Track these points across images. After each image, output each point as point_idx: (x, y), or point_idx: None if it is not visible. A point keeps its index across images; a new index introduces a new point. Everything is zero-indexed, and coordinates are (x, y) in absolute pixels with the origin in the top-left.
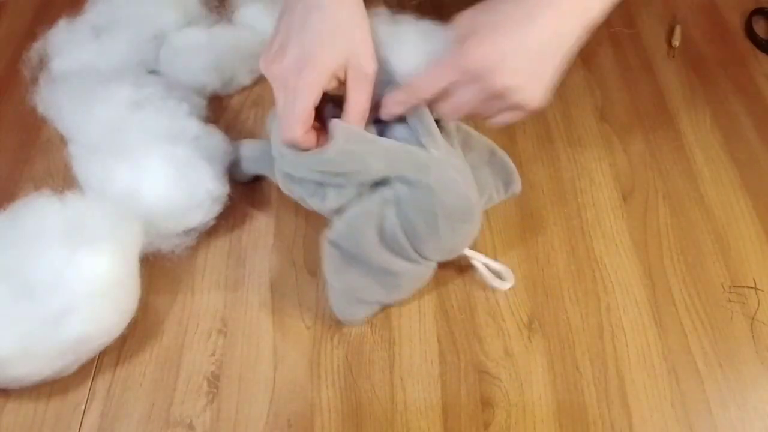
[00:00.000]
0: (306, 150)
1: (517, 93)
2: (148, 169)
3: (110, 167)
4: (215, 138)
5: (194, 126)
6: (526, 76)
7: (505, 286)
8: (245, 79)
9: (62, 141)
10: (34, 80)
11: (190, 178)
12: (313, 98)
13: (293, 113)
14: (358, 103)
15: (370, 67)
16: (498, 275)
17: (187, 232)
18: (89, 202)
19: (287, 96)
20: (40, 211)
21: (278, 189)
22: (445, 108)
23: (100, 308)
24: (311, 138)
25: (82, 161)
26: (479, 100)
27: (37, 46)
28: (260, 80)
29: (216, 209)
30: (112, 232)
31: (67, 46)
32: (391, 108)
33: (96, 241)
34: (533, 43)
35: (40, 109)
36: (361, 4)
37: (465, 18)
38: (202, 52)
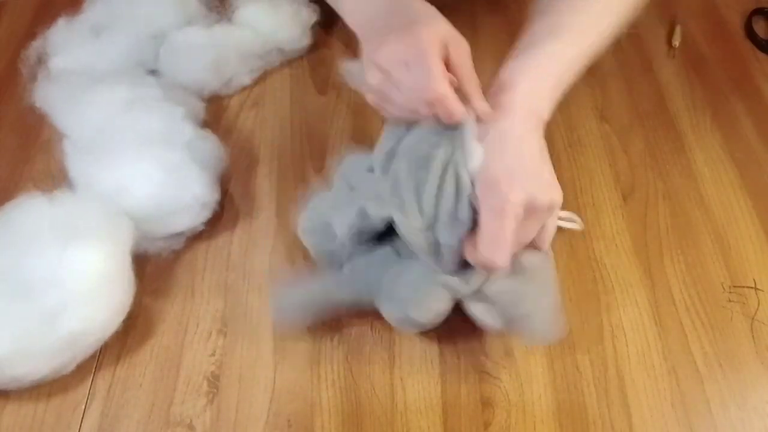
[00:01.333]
0: (456, 114)
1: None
2: (137, 171)
3: (101, 167)
4: (209, 143)
5: (188, 130)
6: (549, 185)
7: (576, 227)
8: (245, 79)
9: (62, 140)
10: (33, 78)
11: (179, 183)
12: (434, 47)
13: (432, 66)
14: (468, 71)
15: (466, 44)
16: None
17: (175, 235)
18: (79, 200)
19: (415, 60)
20: (30, 212)
21: (278, 189)
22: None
23: (94, 304)
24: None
25: (75, 159)
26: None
27: (35, 44)
28: (260, 80)
29: (205, 214)
30: (102, 228)
31: (66, 45)
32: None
33: (87, 237)
34: (533, 158)
35: (38, 106)
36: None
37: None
38: (202, 52)
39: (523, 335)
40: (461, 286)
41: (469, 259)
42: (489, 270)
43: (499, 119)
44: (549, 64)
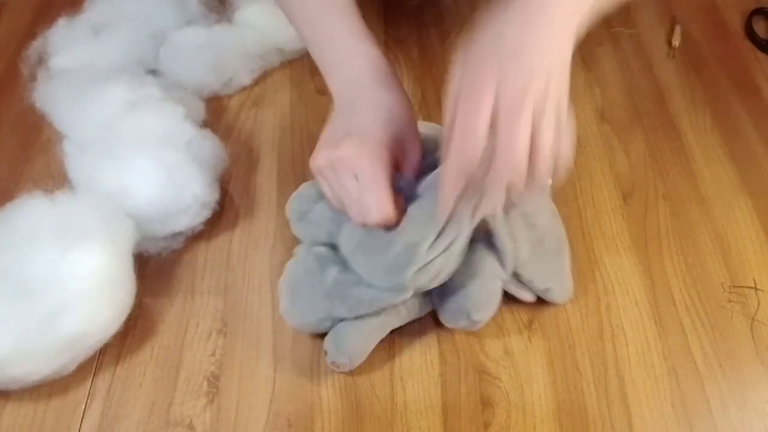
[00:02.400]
0: (392, 227)
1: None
2: (136, 171)
3: (100, 166)
4: (209, 143)
5: (188, 130)
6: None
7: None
8: (245, 79)
9: (62, 140)
10: (33, 78)
11: (179, 182)
12: (384, 176)
13: (378, 186)
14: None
15: (416, 152)
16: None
17: (174, 235)
18: (80, 200)
19: (362, 176)
20: (31, 212)
21: (278, 189)
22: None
23: (95, 305)
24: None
25: (75, 159)
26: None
27: (36, 44)
28: (260, 81)
29: (204, 214)
30: (104, 228)
31: (66, 45)
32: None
33: (88, 238)
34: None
35: (38, 105)
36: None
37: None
38: (202, 52)
39: (548, 298)
40: (503, 273)
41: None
42: (459, 170)
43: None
44: None
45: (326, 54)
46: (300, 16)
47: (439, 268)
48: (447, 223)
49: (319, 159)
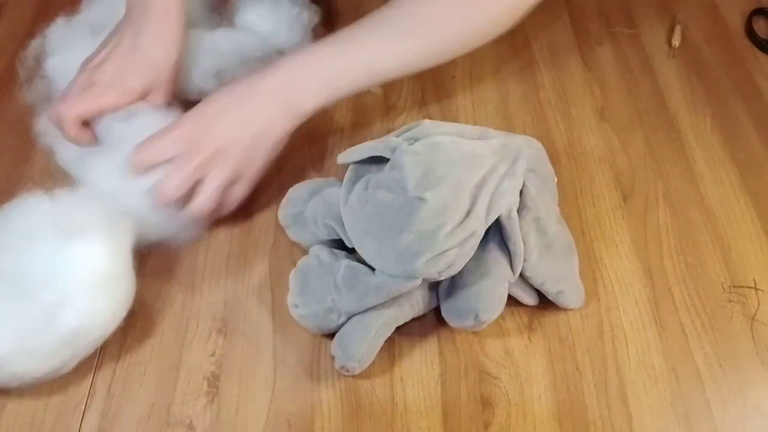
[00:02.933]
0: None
1: (223, 163)
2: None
3: (101, 165)
4: None
5: None
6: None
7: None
8: None
9: (62, 140)
10: (31, 78)
11: None
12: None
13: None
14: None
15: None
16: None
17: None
18: (81, 198)
19: None
20: (31, 210)
21: (278, 189)
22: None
23: (95, 300)
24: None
25: (75, 158)
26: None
27: (34, 44)
28: None
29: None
30: (103, 225)
31: (64, 44)
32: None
33: (88, 236)
34: (248, 131)
35: (37, 105)
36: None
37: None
38: (203, 54)
39: (559, 303)
40: (511, 275)
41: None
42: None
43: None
44: (321, 62)
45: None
46: None
47: (453, 259)
48: (467, 215)
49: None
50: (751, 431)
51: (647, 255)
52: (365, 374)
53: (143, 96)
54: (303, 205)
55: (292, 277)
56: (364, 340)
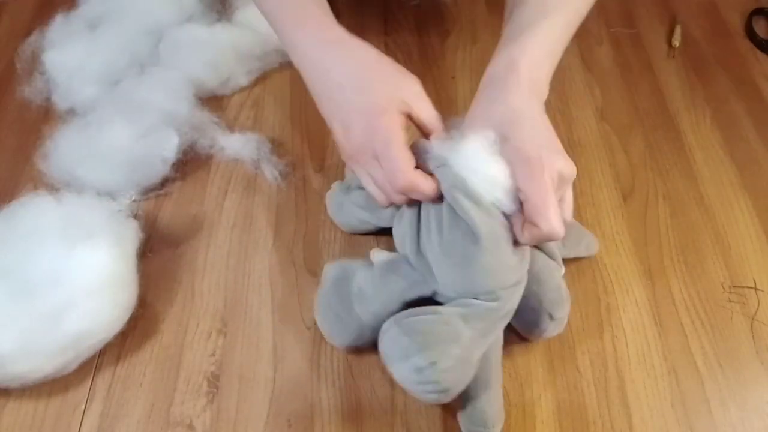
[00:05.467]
0: (427, 191)
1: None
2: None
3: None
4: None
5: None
6: (565, 156)
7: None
8: (243, 80)
9: (62, 140)
10: (29, 73)
11: None
12: (401, 135)
13: (396, 157)
14: (428, 113)
15: (414, 83)
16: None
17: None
18: (85, 199)
19: (381, 153)
20: (36, 210)
21: (278, 189)
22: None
23: (99, 303)
24: (426, 177)
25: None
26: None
27: (30, 40)
28: (259, 81)
29: None
30: (108, 228)
31: (61, 41)
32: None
33: (93, 236)
34: (548, 132)
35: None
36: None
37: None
38: (201, 49)
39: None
40: (558, 266)
41: (525, 239)
42: (553, 238)
43: (508, 100)
44: (544, 42)
45: (294, 28)
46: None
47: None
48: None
49: (342, 154)
50: (751, 431)
51: (647, 255)
52: (365, 374)
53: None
54: (343, 196)
55: (405, 339)
56: (495, 404)
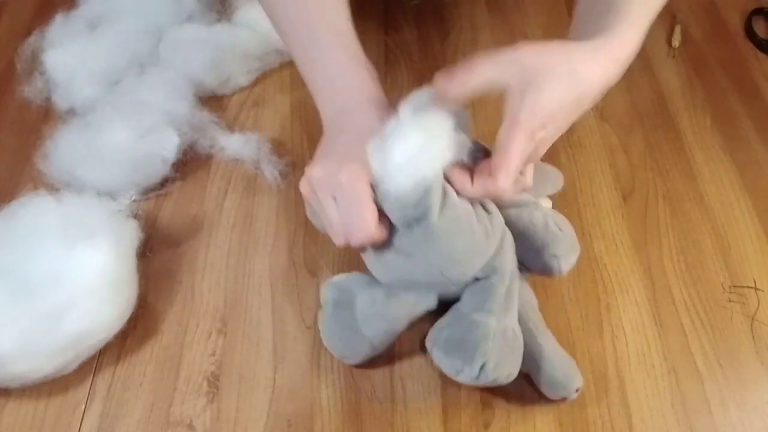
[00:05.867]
0: (381, 243)
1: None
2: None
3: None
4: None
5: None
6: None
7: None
8: (243, 80)
9: (62, 140)
10: (29, 73)
11: None
12: (368, 186)
13: (359, 203)
14: None
15: None
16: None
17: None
18: (86, 199)
19: (341, 195)
20: (36, 210)
21: (278, 188)
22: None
23: (99, 303)
24: (383, 228)
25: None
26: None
27: (30, 40)
28: (260, 81)
29: None
30: (109, 228)
31: (61, 40)
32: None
33: (93, 237)
34: (580, 94)
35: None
36: (386, 106)
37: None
38: (201, 49)
39: None
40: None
41: (472, 191)
42: (498, 197)
43: (571, 52)
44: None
45: (316, 76)
46: (290, 34)
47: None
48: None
49: (302, 181)
50: (751, 431)
51: (647, 255)
52: (365, 374)
53: None
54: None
55: (448, 359)
56: None
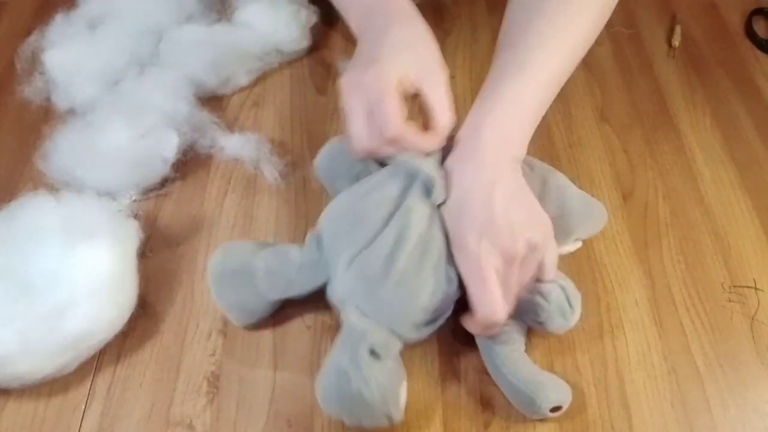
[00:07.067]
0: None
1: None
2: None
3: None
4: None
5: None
6: (531, 223)
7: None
8: (243, 80)
9: (62, 140)
10: (29, 73)
11: None
12: (393, 88)
13: (387, 100)
14: (439, 102)
15: (441, 73)
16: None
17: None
18: (86, 199)
19: (369, 97)
20: (36, 210)
21: (278, 189)
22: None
23: (100, 303)
24: (414, 127)
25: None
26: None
27: (30, 40)
28: (260, 81)
29: None
30: (109, 228)
31: (61, 40)
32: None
33: (93, 237)
34: (507, 204)
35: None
36: (424, 25)
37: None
38: (202, 49)
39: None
40: None
41: (472, 329)
42: (492, 328)
43: (463, 174)
44: (517, 101)
45: None
46: None
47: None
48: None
49: (339, 87)
50: (751, 431)
51: (647, 255)
52: None
53: None
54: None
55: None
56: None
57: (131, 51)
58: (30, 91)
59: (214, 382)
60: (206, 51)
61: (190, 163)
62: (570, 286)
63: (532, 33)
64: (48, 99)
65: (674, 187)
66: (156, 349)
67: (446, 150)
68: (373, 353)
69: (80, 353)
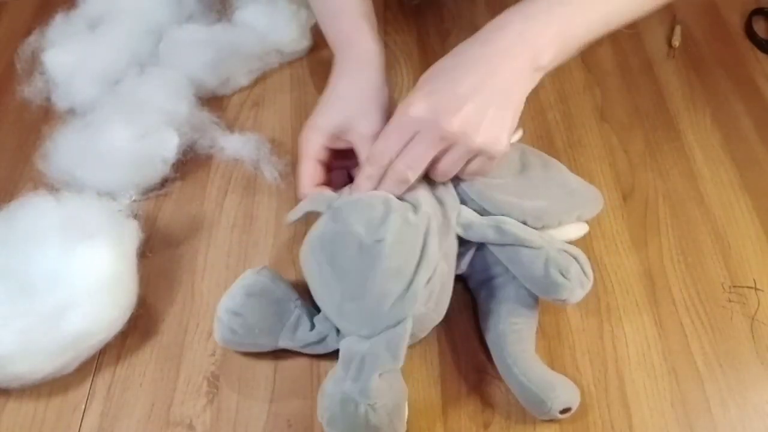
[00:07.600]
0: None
1: (470, 137)
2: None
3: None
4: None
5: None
6: (475, 121)
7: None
8: (243, 80)
9: (61, 140)
10: (29, 73)
11: None
12: (311, 153)
13: (300, 167)
14: (362, 149)
15: (368, 129)
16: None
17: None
18: (86, 199)
19: (299, 153)
20: (36, 210)
21: (278, 189)
22: (406, 167)
23: (100, 304)
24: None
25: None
26: (435, 151)
27: (30, 40)
28: (260, 81)
29: None
30: (109, 228)
31: (61, 40)
32: (362, 185)
33: (93, 237)
34: (483, 88)
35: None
36: (380, 73)
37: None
38: (201, 49)
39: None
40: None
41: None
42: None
43: (468, 43)
44: (552, 11)
45: (330, 36)
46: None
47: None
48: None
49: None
50: (751, 431)
51: (647, 255)
52: None
53: None
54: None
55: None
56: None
57: (131, 51)
58: (30, 91)
59: (214, 382)
60: (206, 51)
61: (190, 163)
62: (581, 254)
63: None
64: (48, 99)
65: (674, 187)
66: (156, 349)
67: None
68: (380, 376)
69: (80, 353)
